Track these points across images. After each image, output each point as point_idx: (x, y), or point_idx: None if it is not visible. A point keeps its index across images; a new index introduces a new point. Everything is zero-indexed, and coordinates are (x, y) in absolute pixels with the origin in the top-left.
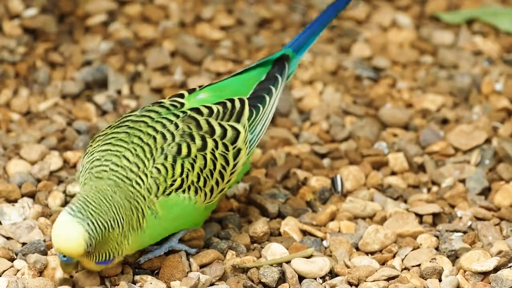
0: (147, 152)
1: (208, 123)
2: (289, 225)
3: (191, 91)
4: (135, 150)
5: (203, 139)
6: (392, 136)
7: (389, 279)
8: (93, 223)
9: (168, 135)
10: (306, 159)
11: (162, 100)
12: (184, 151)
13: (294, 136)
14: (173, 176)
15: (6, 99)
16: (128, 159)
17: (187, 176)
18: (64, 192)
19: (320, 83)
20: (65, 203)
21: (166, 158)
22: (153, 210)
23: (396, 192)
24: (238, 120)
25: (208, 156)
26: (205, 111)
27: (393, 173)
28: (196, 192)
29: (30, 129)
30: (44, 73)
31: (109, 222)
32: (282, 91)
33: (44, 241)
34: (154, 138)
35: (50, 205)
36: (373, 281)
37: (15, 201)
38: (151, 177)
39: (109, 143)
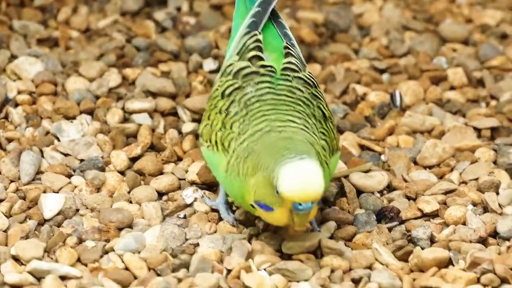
0: (304, 118)
1: (308, 78)
2: (348, 140)
3: (260, 57)
4: (294, 116)
5: (318, 94)
6: (451, 51)
7: (446, 192)
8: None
9: (306, 101)
10: (365, 74)
11: (256, 70)
12: (325, 113)
13: (353, 52)
14: (333, 138)
15: (65, 17)
16: (296, 122)
17: (334, 137)
18: (123, 108)
19: None
20: (123, 120)
21: (321, 122)
22: (325, 167)
23: (455, 107)
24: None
25: (327, 113)
26: (296, 68)
27: (452, 88)
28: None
29: (89, 46)
30: None
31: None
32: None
33: (102, 157)
34: (299, 105)
35: (109, 122)
36: (431, 195)
37: (74, 117)
38: (322, 139)
39: (263, 115)
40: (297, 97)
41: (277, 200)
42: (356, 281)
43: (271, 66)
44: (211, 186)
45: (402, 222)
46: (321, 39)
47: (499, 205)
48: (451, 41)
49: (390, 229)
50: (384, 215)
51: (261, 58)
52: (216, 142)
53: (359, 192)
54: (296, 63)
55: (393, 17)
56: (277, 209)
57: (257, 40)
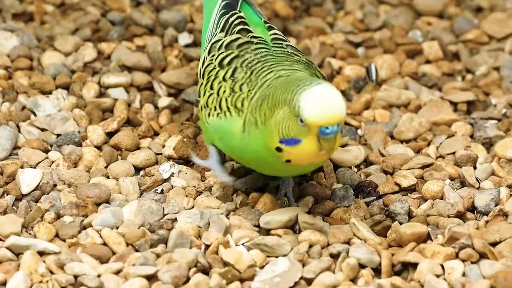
0: (309, 72)
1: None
2: None
3: (248, 30)
4: (299, 69)
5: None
6: (426, 25)
7: (423, 167)
8: None
9: (306, 62)
10: (341, 48)
11: (249, 40)
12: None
13: (328, 26)
14: None
15: None
16: (302, 71)
17: None
18: (99, 83)
19: None
20: (99, 95)
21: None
22: None
23: (431, 80)
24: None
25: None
26: (284, 38)
27: (428, 62)
28: None
29: (64, 21)
30: None
31: None
32: None
33: (79, 132)
34: (301, 64)
35: (85, 96)
36: (408, 169)
37: (50, 92)
38: None
39: (268, 69)
40: (297, 59)
41: (303, 129)
42: (334, 256)
43: (261, 37)
44: (188, 161)
45: (379, 196)
46: (296, 13)
47: (477, 179)
48: (426, 14)
49: (368, 204)
50: (362, 190)
51: (249, 31)
52: (227, 107)
53: (336, 166)
54: (282, 35)
55: None
56: (303, 139)
57: (241, 17)
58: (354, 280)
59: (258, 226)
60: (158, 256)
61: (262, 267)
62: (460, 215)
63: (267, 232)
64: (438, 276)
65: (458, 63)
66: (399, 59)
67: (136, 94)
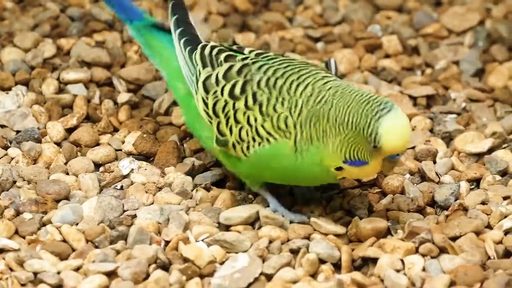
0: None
1: None
2: None
3: (233, 55)
4: (320, 73)
5: None
6: (385, 19)
7: None
8: None
9: (307, 64)
10: (300, 43)
11: (243, 63)
12: None
13: (287, 20)
14: None
15: None
16: (328, 77)
17: None
18: (58, 79)
19: None
20: (59, 91)
21: None
22: None
23: (390, 75)
24: None
25: None
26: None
27: (387, 56)
28: None
29: (23, 17)
30: None
31: None
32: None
33: (38, 128)
34: (309, 65)
35: (44, 92)
36: None
37: (9, 89)
38: None
39: (297, 83)
40: (299, 63)
41: (373, 153)
42: (294, 252)
43: (248, 56)
44: (147, 156)
45: (340, 191)
46: (255, 8)
47: (436, 173)
48: (385, 8)
49: (328, 199)
50: (323, 185)
51: (234, 55)
52: (268, 133)
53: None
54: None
55: None
56: (371, 162)
57: (215, 46)
58: (314, 275)
59: (218, 222)
60: (117, 252)
61: (222, 263)
62: (420, 210)
63: (227, 228)
64: (398, 271)
65: (417, 57)
66: (358, 53)
67: (96, 90)
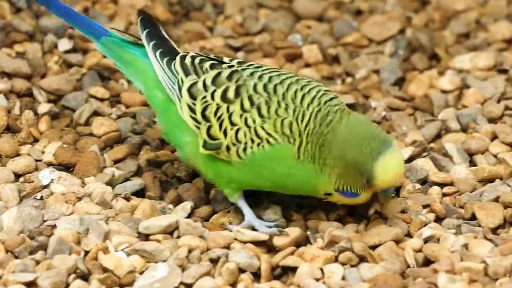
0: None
1: None
2: None
3: (218, 61)
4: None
5: None
6: (306, 28)
7: None
8: None
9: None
10: (221, 52)
11: (231, 70)
12: None
13: (208, 30)
14: None
15: None
16: (324, 90)
17: None
18: None
19: None
20: None
21: None
22: None
23: None
24: None
25: None
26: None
27: (307, 65)
28: None
29: None
30: None
31: None
32: None
33: None
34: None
35: None
36: None
37: None
38: None
39: (302, 93)
40: (287, 72)
41: (365, 187)
42: (214, 261)
43: (233, 64)
44: (67, 167)
45: None
46: (175, 18)
47: None
48: (306, 18)
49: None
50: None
51: (220, 62)
52: (268, 133)
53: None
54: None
55: None
56: (362, 194)
57: (197, 54)
58: (233, 284)
59: (138, 232)
60: (37, 262)
61: (141, 273)
62: (340, 219)
63: (146, 237)
64: (317, 279)
65: (337, 66)
66: (278, 62)
67: (16, 100)
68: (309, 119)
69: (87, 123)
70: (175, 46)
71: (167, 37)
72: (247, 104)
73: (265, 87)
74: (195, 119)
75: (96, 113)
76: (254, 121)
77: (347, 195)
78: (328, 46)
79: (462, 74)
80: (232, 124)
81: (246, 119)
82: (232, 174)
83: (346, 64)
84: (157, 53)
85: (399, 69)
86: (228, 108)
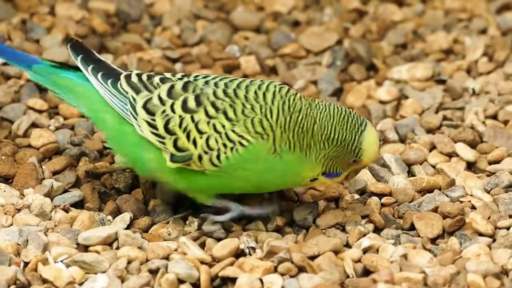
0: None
1: None
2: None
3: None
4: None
5: None
6: (243, 39)
7: None
8: None
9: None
10: (158, 64)
11: (187, 80)
12: None
13: (146, 41)
14: None
15: None
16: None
17: None
18: None
19: None
20: None
21: None
22: None
23: None
24: None
25: None
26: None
27: (245, 76)
28: None
29: None
30: None
31: None
32: None
33: None
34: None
35: None
36: None
37: None
38: None
39: (263, 93)
40: (239, 77)
41: (350, 165)
42: (153, 272)
43: (180, 77)
44: (6, 178)
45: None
46: (113, 29)
47: (295, 193)
48: (243, 29)
49: (185, 219)
50: (180, 205)
51: (167, 77)
52: (240, 136)
53: (155, 182)
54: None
55: (185, 6)
56: (344, 173)
57: (140, 73)
58: None
59: (77, 243)
60: None
61: (81, 284)
62: (279, 229)
63: (85, 249)
64: None
65: (275, 77)
66: (216, 74)
67: None
68: (278, 112)
69: (26, 134)
70: (113, 66)
71: (102, 58)
72: (212, 110)
73: (225, 92)
74: (157, 135)
75: (34, 125)
76: (223, 126)
77: (332, 176)
78: (265, 57)
79: (400, 84)
80: (201, 132)
81: (214, 125)
82: (207, 182)
83: (284, 75)
84: (99, 76)
85: (337, 80)
86: (192, 117)
